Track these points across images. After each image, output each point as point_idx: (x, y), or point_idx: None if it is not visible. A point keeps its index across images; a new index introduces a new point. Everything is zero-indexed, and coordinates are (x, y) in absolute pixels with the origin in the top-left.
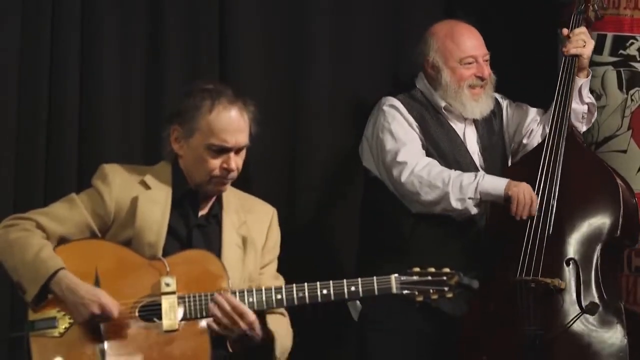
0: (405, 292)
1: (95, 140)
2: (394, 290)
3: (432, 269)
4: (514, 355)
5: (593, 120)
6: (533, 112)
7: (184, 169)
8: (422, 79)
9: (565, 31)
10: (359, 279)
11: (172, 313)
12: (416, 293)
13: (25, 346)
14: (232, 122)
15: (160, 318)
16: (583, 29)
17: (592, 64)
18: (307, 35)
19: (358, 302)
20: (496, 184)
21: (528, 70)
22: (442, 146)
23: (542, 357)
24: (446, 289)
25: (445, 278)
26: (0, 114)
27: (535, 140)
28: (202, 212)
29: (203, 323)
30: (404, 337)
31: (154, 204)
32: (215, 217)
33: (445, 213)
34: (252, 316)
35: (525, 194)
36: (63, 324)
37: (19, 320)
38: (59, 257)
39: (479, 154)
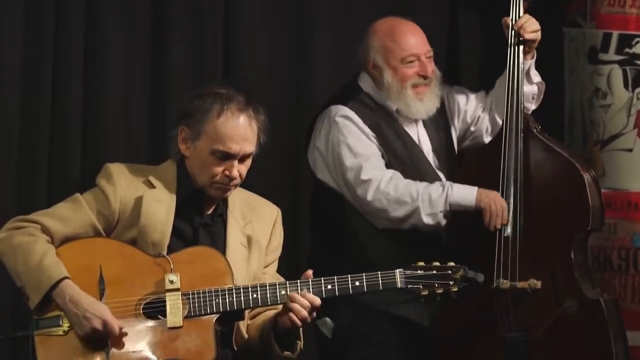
0: (410, 286)
1: (99, 139)
2: (399, 285)
3: (437, 263)
4: None
5: (542, 97)
6: (476, 97)
7: (189, 170)
8: (366, 80)
9: (507, 20)
10: (364, 274)
11: (176, 310)
12: (421, 287)
13: (30, 345)
14: (239, 130)
15: (164, 315)
16: (528, 15)
17: (598, 62)
18: (311, 32)
19: (328, 319)
20: (466, 195)
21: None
22: (399, 153)
23: None
24: (451, 282)
25: (450, 272)
26: (3, 113)
27: (484, 125)
28: (207, 212)
29: (208, 320)
30: (385, 350)
31: (159, 203)
32: (221, 216)
33: (415, 229)
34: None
35: (497, 204)
36: (67, 322)
37: (22, 319)
38: (62, 264)
39: (433, 154)
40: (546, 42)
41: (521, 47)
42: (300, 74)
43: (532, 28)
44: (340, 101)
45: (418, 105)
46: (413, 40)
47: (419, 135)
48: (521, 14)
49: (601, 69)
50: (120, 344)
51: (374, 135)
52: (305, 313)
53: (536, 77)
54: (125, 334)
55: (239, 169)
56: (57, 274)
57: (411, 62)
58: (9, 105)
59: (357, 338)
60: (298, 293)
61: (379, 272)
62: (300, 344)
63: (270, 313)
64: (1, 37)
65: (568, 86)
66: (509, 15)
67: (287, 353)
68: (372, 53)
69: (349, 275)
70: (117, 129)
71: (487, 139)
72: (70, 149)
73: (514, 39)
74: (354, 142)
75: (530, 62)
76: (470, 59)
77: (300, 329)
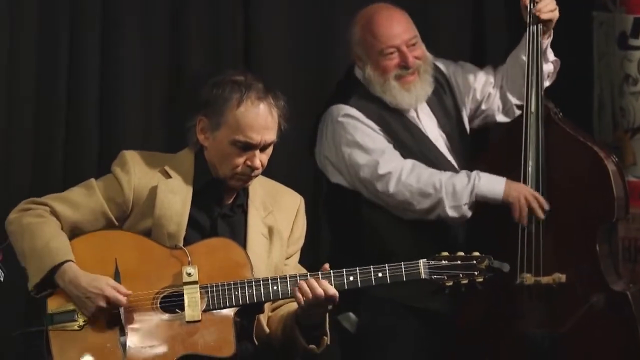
0: (434, 277)
1: (115, 134)
2: (423, 276)
3: (462, 253)
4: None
5: (556, 74)
6: (484, 73)
7: (208, 161)
8: (359, 71)
9: (525, 0)
10: (386, 265)
11: (194, 303)
12: (445, 278)
13: (44, 340)
14: (260, 119)
15: (182, 309)
16: None
17: (629, 47)
18: (332, 22)
19: (352, 314)
20: (493, 187)
21: (563, 52)
22: (408, 145)
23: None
24: (476, 273)
25: (475, 262)
26: (20, 110)
27: (495, 104)
28: (227, 202)
29: (227, 313)
30: (409, 343)
31: (174, 193)
32: (241, 206)
33: (440, 219)
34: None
35: (528, 197)
36: (82, 316)
37: (35, 314)
38: (69, 248)
39: (444, 139)
40: (575, 26)
41: (539, 27)
42: (322, 60)
43: (549, 8)
44: (340, 99)
45: (405, 95)
46: (391, 30)
47: (422, 121)
48: None
49: (631, 55)
50: (137, 339)
51: (380, 128)
52: (309, 294)
53: (551, 55)
54: (143, 329)
55: (261, 159)
56: (62, 256)
57: (390, 53)
58: (24, 101)
59: (381, 332)
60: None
61: (402, 263)
62: (327, 339)
63: (294, 305)
64: (16, 39)
65: (597, 72)
66: None
67: (312, 346)
68: (354, 46)
69: (372, 267)
70: (134, 122)
71: (499, 117)
72: (87, 144)
73: (532, 19)
74: (363, 139)
75: (548, 42)
76: (497, 41)
77: (326, 323)
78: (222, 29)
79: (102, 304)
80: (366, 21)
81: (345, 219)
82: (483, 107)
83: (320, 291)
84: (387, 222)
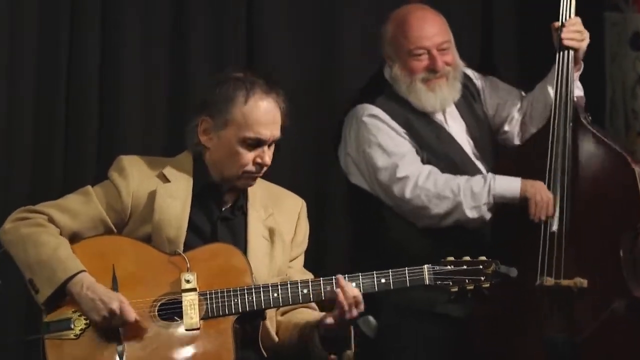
0: (439, 283)
1: (115, 136)
2: (427, 282)
3: (467, 258)
4: None
5: None
6: (511, 94)
7: (211, 162)
8: (388, 70)
9: (556, 24)
10: (390, 270)
11: (193, 311)
12: (450, 284)
13: (41, 349)
14: (268, 114)
15: (180, 317)
16: (577, 19)
17: None
18: (334, 23)
19: (371, 318)
20: (510, 186)
21: None
22: (434, 147)
23: None
24: (483, 278)
25: (481, 267)
26: (19, 107)
27: (516, 129)
28: (226, 205)
29: (226, 321)
30: (428, 349)
31: (174, 198)
32: (241, 208)
33: (458, 224)
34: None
35: (542, 194)
36: (79, 325)
37: (34, 322)
38: (76, 257)
39: (471, 145)
40: (587, 26)
41: (569, 52)
42: (327, 57)
43: (573, 35)
44: (367, 98)
45: (430, 96)
46: (423, 32)
47: (449, 125)
48: (572, 14)
49: None
50: (134, 348)
51: (405, 131)
52: (346, 306)
53: (578, 89)
54: (140, 337)
55: (269, 155)
56: (74, 267)
57: (419, 55)
58: (25, 101)
59: (400, 337)
60: (322, 291)
61: (407, 268)
62: (350, 353)
63: (306, 311)
64: (16, 39)
65: (609, 73)
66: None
67: (333, 357)
68: (385, 45)
69: (374, 272)
70: (134, 123)
71: (516, 141)
72: (87, 144)
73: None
74: (385, 141)
75: (577, 74)
76: (506, 45)
77: (351, 337)
78: (224, 29)
79: (116, 307)
80: (399, 21)
81: (365, 220)
82: (506, 128)
83: (355, 292)
84: (408, 225)
